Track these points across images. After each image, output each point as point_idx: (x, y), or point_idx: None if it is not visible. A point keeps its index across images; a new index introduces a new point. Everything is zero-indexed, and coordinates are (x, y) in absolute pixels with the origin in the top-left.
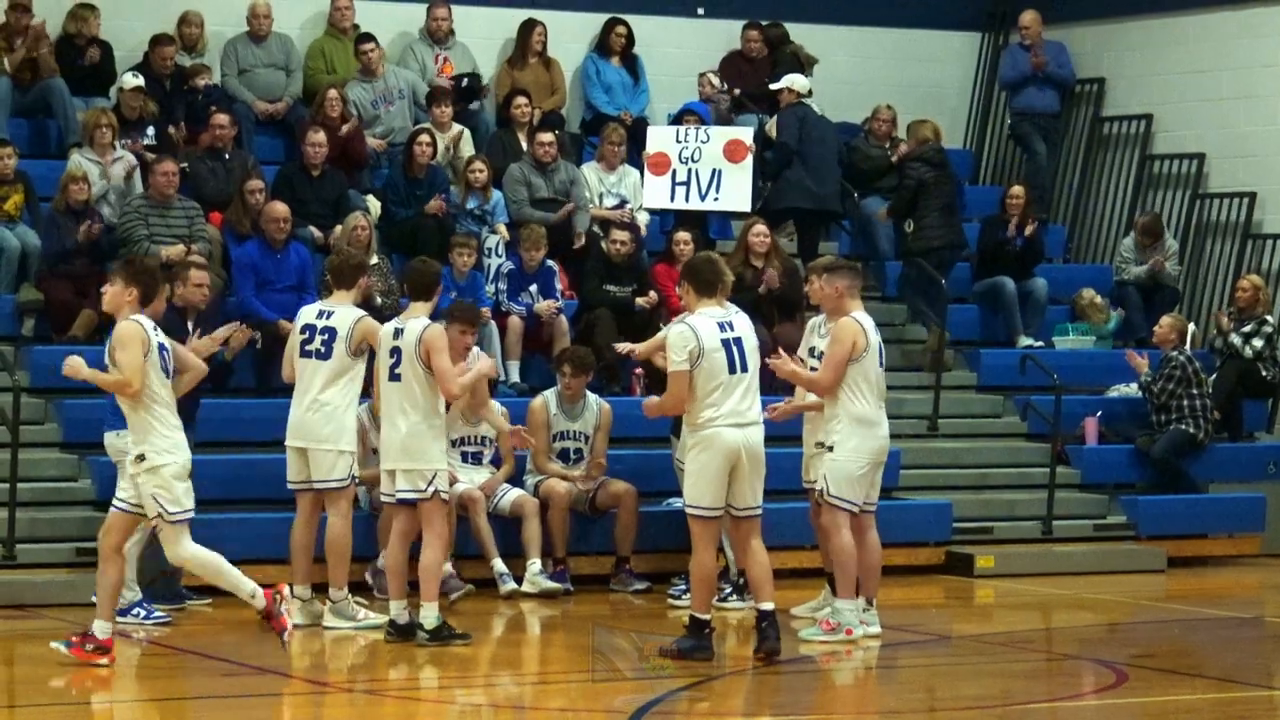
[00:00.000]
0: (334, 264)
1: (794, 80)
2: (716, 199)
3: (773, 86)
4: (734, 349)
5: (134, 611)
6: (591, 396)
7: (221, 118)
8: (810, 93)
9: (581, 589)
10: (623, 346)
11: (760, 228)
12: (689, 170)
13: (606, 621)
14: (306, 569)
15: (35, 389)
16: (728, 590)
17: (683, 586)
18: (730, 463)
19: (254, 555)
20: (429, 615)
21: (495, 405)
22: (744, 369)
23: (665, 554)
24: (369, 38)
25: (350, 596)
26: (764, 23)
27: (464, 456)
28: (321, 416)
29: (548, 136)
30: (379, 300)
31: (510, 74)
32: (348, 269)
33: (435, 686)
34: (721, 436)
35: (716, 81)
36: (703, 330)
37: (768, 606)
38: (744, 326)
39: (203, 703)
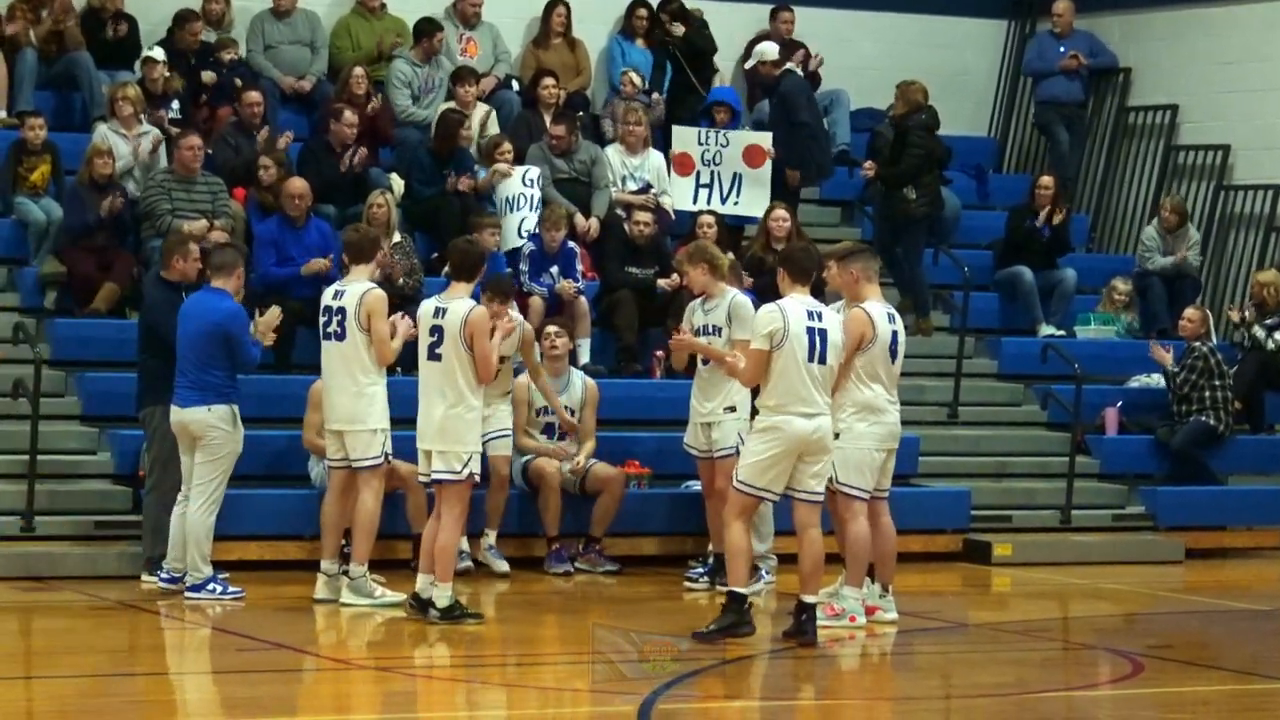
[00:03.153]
0: (349, 239)
1: (765, 51)
2: (737, 203)
3: (748, 66)
4: (817, 338)
5: (209, 587)
6: (576, 373)
7: (253, 94)
8: (779, 57)
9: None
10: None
11: (781, 212)
12: (711, 173)
13: (620, 604)
14: (335, 544)
15: (56, 361)
16: (700, 570)
17: (700, 569)
18: (796, 451)
19: (270, 531)
20: (442, 595)
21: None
22: (822, 360)
23: (683, 537)
24: (438, 26)
25: (369, 574)
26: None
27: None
28: (350, 397)
29: (560, 129)
30: (401, 280)
31: (535, 55)
32: (365, 244)
33: (448, 665)
34: (791, 425)
35: (638, 80)
36: (791, 313)
37: (811, 599)
38: (831, 322)
39: (218, 677)
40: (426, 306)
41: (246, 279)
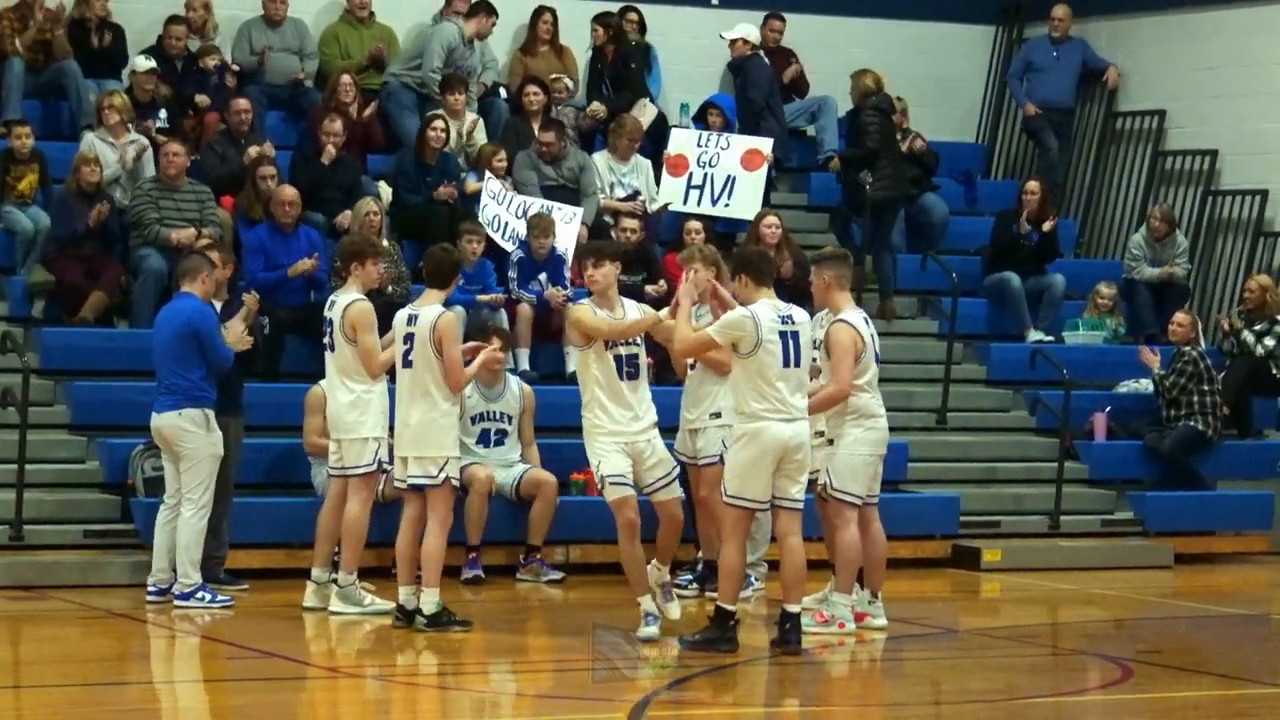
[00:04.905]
0: (342, 247)
1: (749, 31)
2: (727, 205)
3: (728, 35)
4: (790, 342)
5: (197, 595)
6: (513, 379)
7: (241, 103)
8: (761, 44)
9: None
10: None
11: (772, 218)
12: (705, 174)
13: (608, 610)
14: (327, 552)
15: (45, 370)
16: (688, 578)
17: (688, 577)
18: (777, 457)
19: (260, 540)
20: (429, 601)
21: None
22: (797, 363)
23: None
24: (495, 11)
25: (358, 582)
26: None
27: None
28: (344, 407)
29: (548, 136)
30: (389, 288)
31: (523, 61)
32: (344, 254)
33: (437, 672)
34: (771, 430)
35: (570, 84)
36: (764, 319)
37: (794, 609)
38: (802, 320)
39: (207, 686)
40: (401, 315)
41: (235, 285)
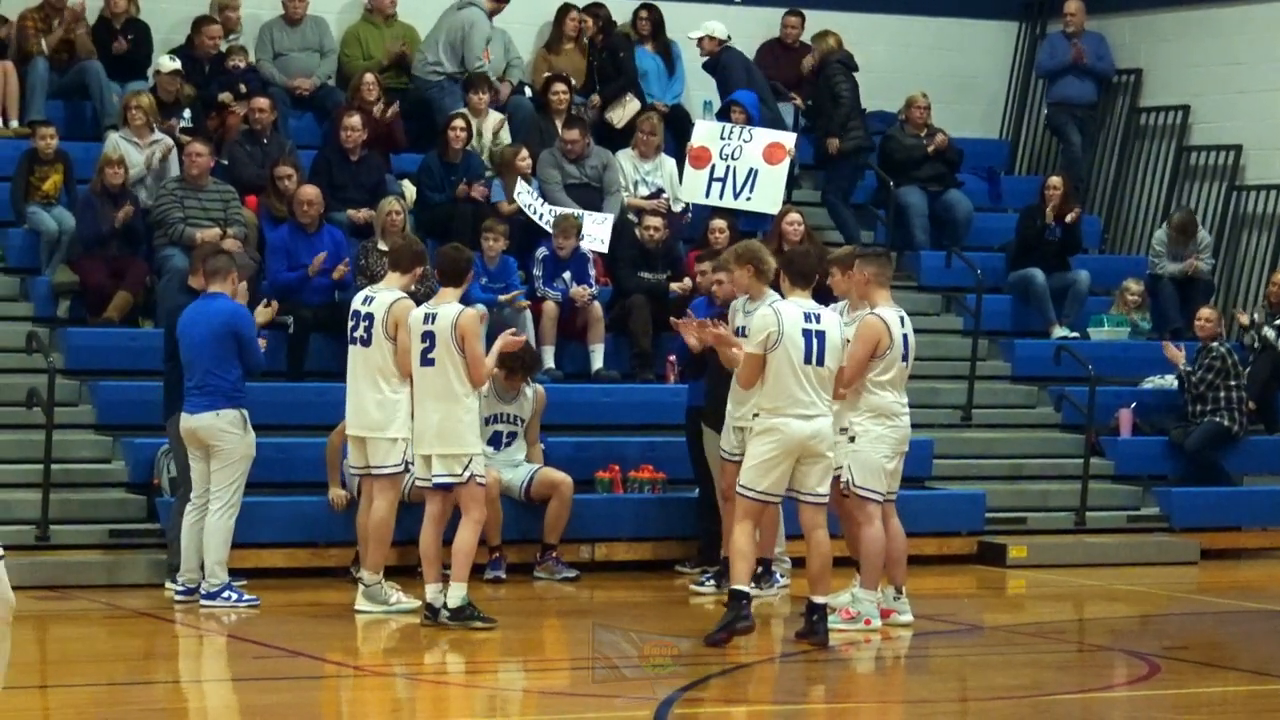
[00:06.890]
0: (395, 246)
1: (714, 27)
2: (749, 199)
3: (692, 36)
4: (814, 340)
5: (224, 594)
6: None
7: (261, 101)
8: (729, 37)
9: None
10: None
11: (794, 215)
12: (727, 167)
13: (630, 608)
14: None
15: (70, 371)
16: (708, 575)
17: (708, 574)
18: (794, 453)
19: (285, 539)
20: (455, 595)
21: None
22: (820, 362)
23: (692, 541)
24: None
25: (384, 581)
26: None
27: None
28: (372, 404)
29: (572, 134)
30: (412, 285)
31: (547, 59)
32: (407, 255)
33: (463, 670)
34: (789, 427)
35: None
36: (787, 315)
37: (821, 600)
38: (830, 323)
39: (233, 685)
40: (417, 313)
41: (258, 285)
